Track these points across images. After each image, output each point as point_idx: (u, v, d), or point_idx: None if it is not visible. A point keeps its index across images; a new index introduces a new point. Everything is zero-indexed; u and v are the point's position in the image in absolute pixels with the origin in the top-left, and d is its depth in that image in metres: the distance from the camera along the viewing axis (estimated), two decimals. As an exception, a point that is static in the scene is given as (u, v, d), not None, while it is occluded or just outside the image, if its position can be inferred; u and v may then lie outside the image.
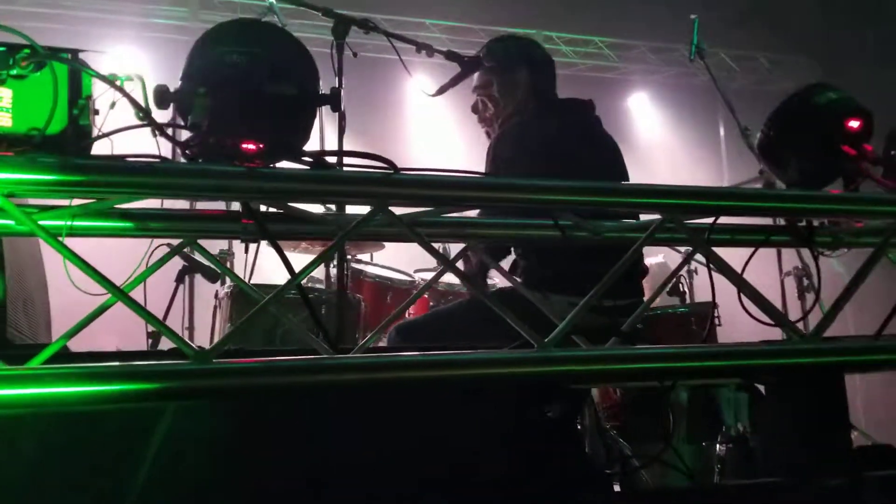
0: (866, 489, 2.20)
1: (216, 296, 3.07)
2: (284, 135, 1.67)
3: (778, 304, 3.80)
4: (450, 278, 3.56)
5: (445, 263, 1.63)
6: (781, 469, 2.43)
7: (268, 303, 1.39)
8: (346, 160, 1.57)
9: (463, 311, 2.83)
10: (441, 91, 2.68)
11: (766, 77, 7.62)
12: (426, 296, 3.39)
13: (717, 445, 2.68)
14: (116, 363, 1.33)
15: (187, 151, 1.53)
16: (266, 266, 2.56)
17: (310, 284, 3.46)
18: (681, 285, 3.50)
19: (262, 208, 1.69)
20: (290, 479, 1.51)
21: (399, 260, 3.82)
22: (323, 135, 3.06)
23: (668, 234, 1.89)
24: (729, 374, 1.88)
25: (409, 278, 3.58)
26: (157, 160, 1.39)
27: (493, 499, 1.95)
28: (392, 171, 1.49)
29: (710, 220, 1.88)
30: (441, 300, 3.39)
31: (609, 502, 2.08)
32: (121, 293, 1.45)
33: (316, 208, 1.85)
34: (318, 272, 3.42)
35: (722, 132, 7.37)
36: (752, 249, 1.99)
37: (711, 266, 1.86)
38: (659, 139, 7.38)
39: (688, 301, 3.42)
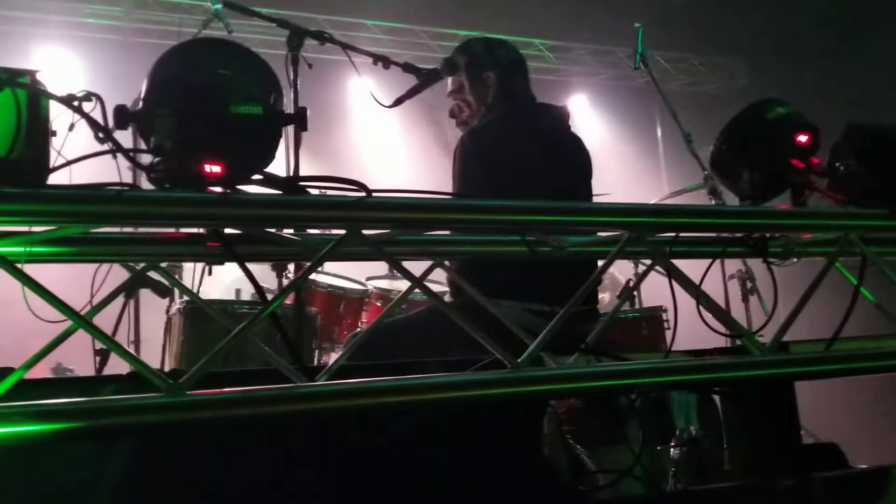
0: (815, 489, 2.28)
1: (167, 312, 3.00)
2: (251, 157, 1.64)
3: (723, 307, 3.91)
4: (405, 286, 3.56)
5: (414, 281, 1.63)
6: (738, 471, 2.51)
7: (246, 327, 1.37)
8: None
9: (414, 323, 2.83)
10: (398, 102, 2.67)
11: (700, 79, 7.80)
12: (379, 304, 3.38)
13: (671, 449, 2.74)
14: (84, 399, 1.29)
15: (152, 175, 1.50)
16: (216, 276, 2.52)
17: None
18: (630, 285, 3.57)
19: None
20: None
21: (347, 267, 3.78)
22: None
23: (629, 248, 1.95)
24: (697, 387, 1.92)
25: (362, 286, 3.56)
26: (125, 188, 1.35)
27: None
28: (365, 195, 1.48)
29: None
30: (395, 309, 3.38)
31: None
32: (83, 321, 1.41)
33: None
34: (269, 282, 3.38)
35: (659, 133, 7.52)
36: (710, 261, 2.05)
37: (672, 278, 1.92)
38: (599, 141, 7.47)
39: (637, 305, 3.49)
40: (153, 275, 2.87)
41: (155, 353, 3.12)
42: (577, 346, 1.87)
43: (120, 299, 3.07)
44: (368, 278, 3.67)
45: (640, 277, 1.68)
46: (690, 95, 7.38)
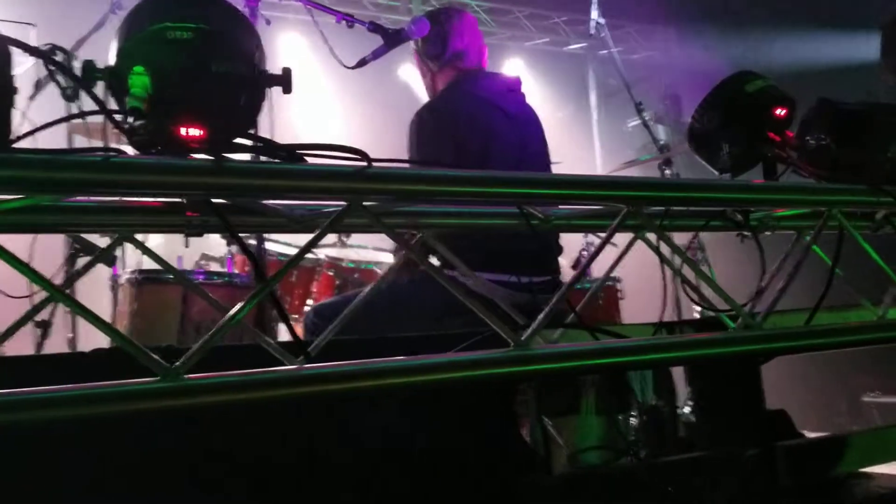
0: (776, 457, 2.32)
1: (115, 281, 2.83)
2: (235, 121, 1.53)
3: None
4: (358, 255, 3.47)
5: (407, 249, 1.56)
6: (703, 440, 2.54)
7: (247, 304, 1.28)
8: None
9: (385, 295, 2.77)
10: (361, 64, 2.57)
11: (634, 46, 7.84)
12: (331, 274, 3.28)
13: (631, 418, 2.76)
14: (75, 386, 1.18)
15: (136, 139, 1.38)
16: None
17: (203, 263, 3.28)
18: (582, 259, 3.57)
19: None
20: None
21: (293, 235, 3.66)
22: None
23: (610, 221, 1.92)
24: (692, 362, 1.92)
25: (313, 255, 3.45)
26: (112, 153, 1.23)
27: (433, 486, 1.92)
28: (366, 165, 1.39)
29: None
30: (348, 277, 3.30)
31: (548, 485, 2.10)
32: (62, 294, 1.30)
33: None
34: (216, 250, 3.24)
35: (593, 101, 7.55)
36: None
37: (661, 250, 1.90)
38: (533, 104, 7.48)
39: (592, 276, 3.49)
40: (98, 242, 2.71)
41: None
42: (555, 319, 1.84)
43: (51, 268, 2.90)
44: (320, 246, 3.56)
45: (626, 249, 1.65)
46: (626, 63, 7.42)
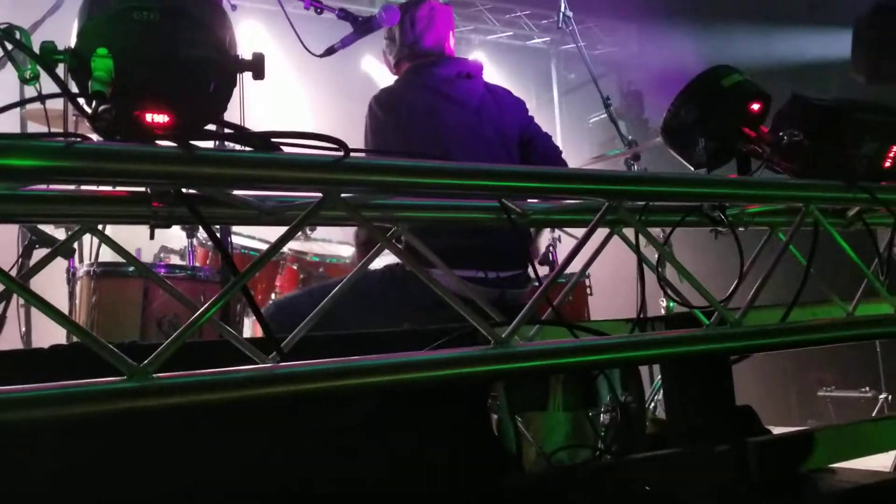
0: (747, 452, 2.32)
1: (72, 274, 2.72)
2: (205, 108, 1.46)
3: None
4: (322, 249, 3.40)
5: (384, 241, 1.50)
6: (673, 436, 2.53)
7: (221, 297, 1.21)
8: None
9: (354, 290, 2.72)
10: (329, 52, 2.51)
11: (594, 42, 7.86)
12: (295, 268, 3.20)
13: (601, 414, 2.74)
14: (34, 386, 1.10)
15: (99, 125, 1.30)
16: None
17: (163, 255, 3.18)
18: (550, 254, 3.54)
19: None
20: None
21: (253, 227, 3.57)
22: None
23: (587, 216, 1.89)
24: (675, 359, 1.89)
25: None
26: (76, 139, 1.16)
27: (407, 491, 1.88)
28: (343, 155, 1.33)
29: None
30: (312, 271, 3.22)
31: (523, 485, 2.07)
32: (20, 287, 1.22)
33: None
34: (175, 243, 3.14)
35: (556, 94, 7.55)
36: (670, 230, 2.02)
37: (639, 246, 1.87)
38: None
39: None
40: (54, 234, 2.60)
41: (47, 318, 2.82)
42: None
43: (3, 260, 2.78)
44: (282, 239, 3.48)
45: (603, 243, 1.61)
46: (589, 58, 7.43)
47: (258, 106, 5.72)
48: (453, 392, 1.97)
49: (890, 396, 5.05)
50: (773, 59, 5.71)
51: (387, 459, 1.82)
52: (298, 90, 6.07)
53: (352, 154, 1.34)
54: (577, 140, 7.04)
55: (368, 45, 4.01)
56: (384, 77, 6.37)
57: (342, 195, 1.36)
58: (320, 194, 1.34)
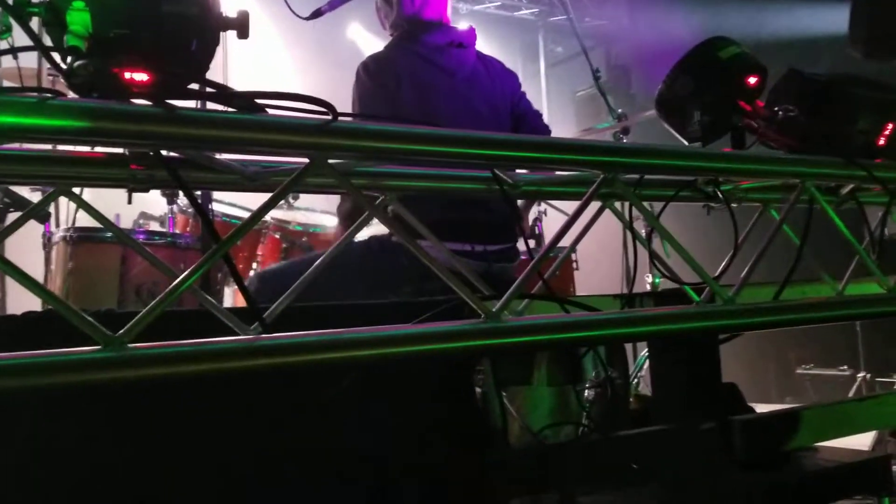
0: (733, 432, 2.31)
1: (48, 239, 2.64)
2: (186, 66, 1.39)
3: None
4: (305, 218, 3.33)
5: (372, 210, 1.44)
6: (661, 414, 2.51)
7: (201, 266, 1.15)
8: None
9: (337, 260, 2.67)
10: (316, 15, 2.43)
11: (582, 14, 7.76)
12: (278, 237, 3.14)
13: (586, 390, 2.71)
14: (6, 354, 1.05)
15: (74, 81, 1.24)
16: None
17: (142, 222, 3.11)
18: (536, 229, 3.50)
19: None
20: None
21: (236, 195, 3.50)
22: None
23: (579, 188, 1.84)
24: (669, 336, 1.86)
25: (258, 216, 3.30)
26: (48, 94, 1.09)
27: (394, 466, 1.84)
28: (331, 118, 1.28)
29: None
30: (295, 240, 3.16)
31: (509, 461, 2.04)
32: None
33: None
34: (155, 209, 3.07)
35: (542, 66, 7.47)
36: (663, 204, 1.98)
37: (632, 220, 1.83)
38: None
39: (543, 244, 3.42)
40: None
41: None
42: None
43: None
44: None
45: (594, 217, 1.57)
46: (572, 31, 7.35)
47: (239, 71, 5.64)
48: (438, 364, 1.94)
49: (868, 375, 5.08)
50: (764, 33, 5.66)
51: (369, 431, 1.78)
52: (282, 55, 5.95)
53: (340, 119, 1.28)
54: (563, 112, 6.98)
55: (355, 13, 3.91)
56: (370, 45, 6.27)
57: (329, 161, 1.30)
58: (306, 160, 1.28)
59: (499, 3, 7.35)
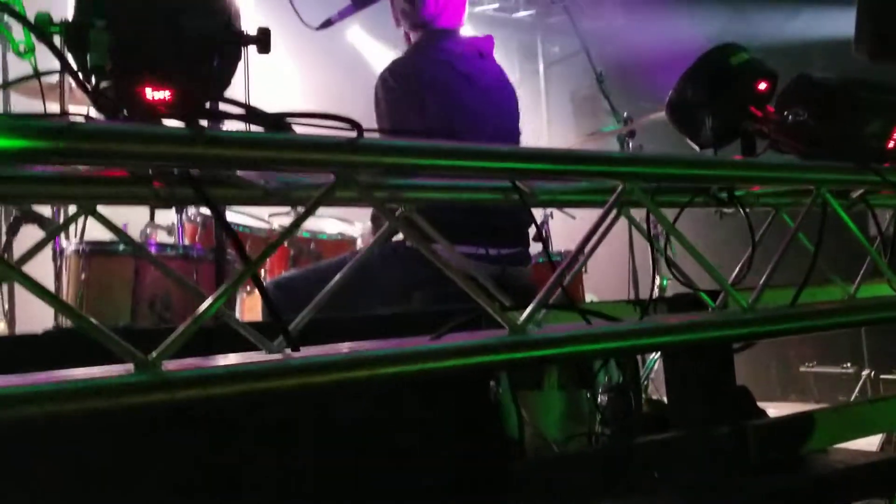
0: (748, 436, 2.32)
1: (60, 253, 2.64)
2: (209, 84, 1.40)
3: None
4: (312, 225, 3.34)
5: (392, 221, 1.44)
6: (676, 419, 2.52)
7: (234, 285, 1.16)
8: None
9: (353, 269, 2.68)
10: (327, 24, 2.44)
11: (580, 16, 7.77)
12: (286, 245, 3.14)
13: (599, 395, 2.72)
14: (36, 379, 1.05)
15: (102, 102, 1.24)
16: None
17: (149, 231, 3.10)
18: (544, 232, 3.51)
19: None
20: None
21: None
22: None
23: (596, 197, 1.85)
24: (699, 345, 1.86)
25: (266, 224, 3.30)
26: (81, 118, 1.09)
27: (411, 472, 1.85)
28: (357, 135, 1.28)
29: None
30: (303, 248, 3.17)
31: (528, 470, 2.04)
32: (17, 272, 1.16)
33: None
34: (162, 218, 3.06)
35: (541, 68, 7.48)
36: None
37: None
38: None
39: (551, 248, 3.43)
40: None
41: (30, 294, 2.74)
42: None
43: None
44: (271, 215, 3.41)
45: (609, 225, 1.57)
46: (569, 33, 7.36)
47: (239, 72, 5.59)
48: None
49: (873, 372, 5.09)
50: (760, 38, 5.68)
51: (386, 443, 1.79)
52: (283, 57, 5.91)
53: (365, 134, 1.29)
54: (562, 113, 6.99)
55: (356, 16, 3.89)
56: (371, 50, 6.27)
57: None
58: (330, 175, 1.29)
59: (497, 6, 7.36)
